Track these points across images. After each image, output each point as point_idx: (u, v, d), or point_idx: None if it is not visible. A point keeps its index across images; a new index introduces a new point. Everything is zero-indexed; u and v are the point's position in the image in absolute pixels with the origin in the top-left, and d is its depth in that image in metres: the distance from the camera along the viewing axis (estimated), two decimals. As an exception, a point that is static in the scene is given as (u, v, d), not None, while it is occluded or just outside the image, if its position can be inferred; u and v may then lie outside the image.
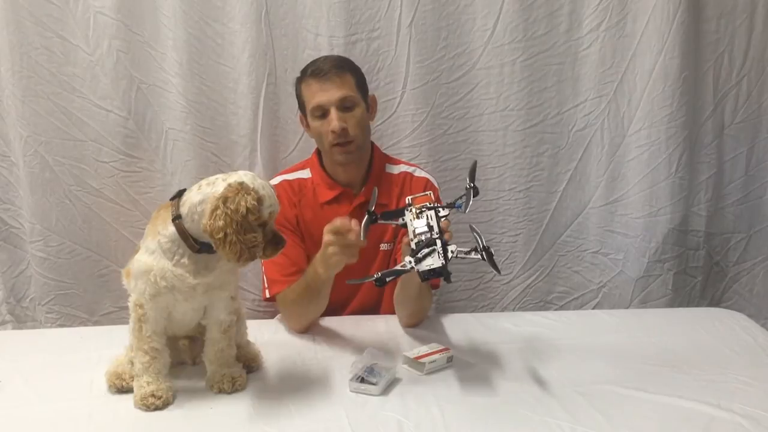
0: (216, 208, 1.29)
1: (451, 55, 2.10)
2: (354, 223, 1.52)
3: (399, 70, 2.09)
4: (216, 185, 1.33)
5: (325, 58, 1.83)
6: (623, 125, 2.18)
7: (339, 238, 1.53)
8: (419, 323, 1.79)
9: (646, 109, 2.15)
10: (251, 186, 1.32)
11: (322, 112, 1.74)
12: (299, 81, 1.81)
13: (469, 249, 1.39)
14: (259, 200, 1.32)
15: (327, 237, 1.55)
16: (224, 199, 1.30)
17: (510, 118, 2.15)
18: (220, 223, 1.28)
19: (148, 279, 1.36)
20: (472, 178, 1.47)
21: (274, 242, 1.38)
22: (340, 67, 1.76)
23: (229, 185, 1.31)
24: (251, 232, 1.31)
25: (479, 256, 1.37)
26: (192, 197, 1.35)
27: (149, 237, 1.40)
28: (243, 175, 1.34)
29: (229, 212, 1.28)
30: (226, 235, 1.28)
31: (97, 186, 2.08)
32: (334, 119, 1.72)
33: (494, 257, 1.37)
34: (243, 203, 1.29)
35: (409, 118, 2.12)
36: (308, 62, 1.84)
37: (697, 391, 1.44)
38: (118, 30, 1.98)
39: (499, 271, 1.39)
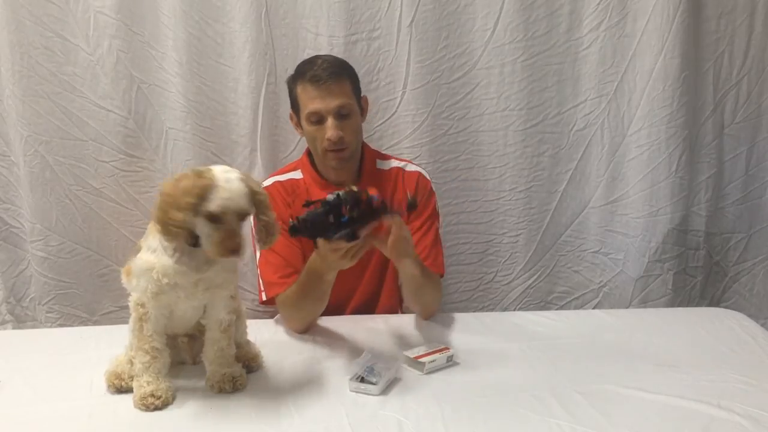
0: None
1: (451, 55, 2.10)
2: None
3: (399, 70, 2.09)
4: None
5: (323, 61, 1.77)
6: (623, 125, 2.18)
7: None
8: (432, 315, 1.84)
9: (646, 109, 2.15)
10: (209, 174, 1.30)
11: (318, 119, 1.74)
12: (294, 81, 1.79)
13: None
14: (206, 187, 1.28)
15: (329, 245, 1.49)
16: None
17: (510, 118, 2.14)
18: (158, 202, 1.30)
19: (150, 277, 1.36)
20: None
21: (226, 239, 1.29)
22: (338, 74, 1.74)
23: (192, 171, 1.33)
24: (181, 211, 1.28)
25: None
26: None
27: (150, 235, 1.39)
28: (214, 167, 1.33)
29: (168, 190, 1.29)
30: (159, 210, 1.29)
31: (97, 185, 2.08)
32: (331, 128, 1.72)
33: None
34: (184, 181, 1.29)
35: (409, 118, 2.12)
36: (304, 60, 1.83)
37: (697, 391, 1.44)
38: (119, 30, 1.98)
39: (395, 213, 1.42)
